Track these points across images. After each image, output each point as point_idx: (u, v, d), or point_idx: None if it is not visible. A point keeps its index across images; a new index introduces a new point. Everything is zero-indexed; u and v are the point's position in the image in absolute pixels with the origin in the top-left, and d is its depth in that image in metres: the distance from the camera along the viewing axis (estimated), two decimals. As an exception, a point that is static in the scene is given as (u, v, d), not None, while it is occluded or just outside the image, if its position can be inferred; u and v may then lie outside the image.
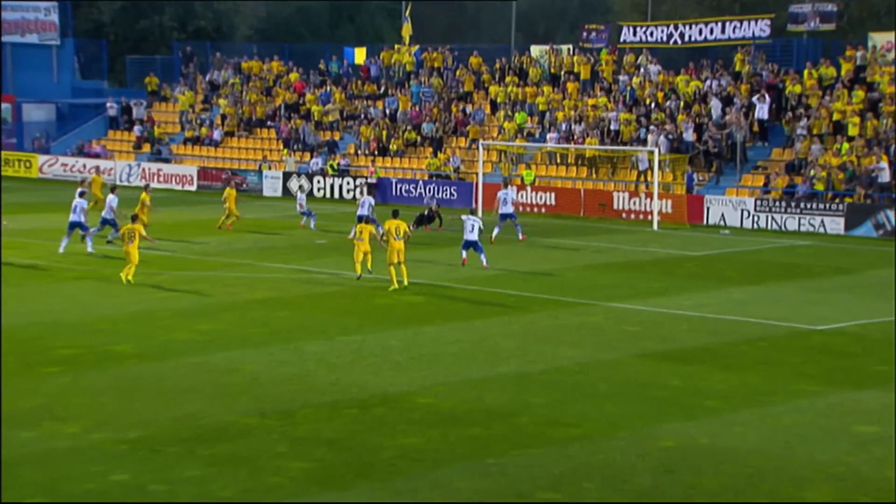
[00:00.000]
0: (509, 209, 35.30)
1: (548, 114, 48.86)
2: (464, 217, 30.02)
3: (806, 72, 45.13)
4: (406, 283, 26.29)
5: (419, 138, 51.03)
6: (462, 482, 13.58)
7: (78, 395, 16.95)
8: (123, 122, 59.77)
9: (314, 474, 13.78)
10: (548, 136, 47.60)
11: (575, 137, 46.71)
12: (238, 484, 13.38)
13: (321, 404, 16.79)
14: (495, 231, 34.56)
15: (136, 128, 58.06)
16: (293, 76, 57.05)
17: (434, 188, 46.67)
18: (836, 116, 42.71)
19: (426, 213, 38.61)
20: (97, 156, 56.32)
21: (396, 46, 56.57)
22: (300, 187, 40.82)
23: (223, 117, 56.68)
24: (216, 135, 55.89)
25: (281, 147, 53.75)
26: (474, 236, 29.29)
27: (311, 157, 51.43)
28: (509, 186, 38.84)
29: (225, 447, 14.68)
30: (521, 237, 35.26)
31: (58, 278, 27.40)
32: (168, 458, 14.23)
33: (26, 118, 62.33)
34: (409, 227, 27.00)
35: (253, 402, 16.83)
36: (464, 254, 29.68)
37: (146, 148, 56.91)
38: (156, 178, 53.35)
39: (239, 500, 12.87)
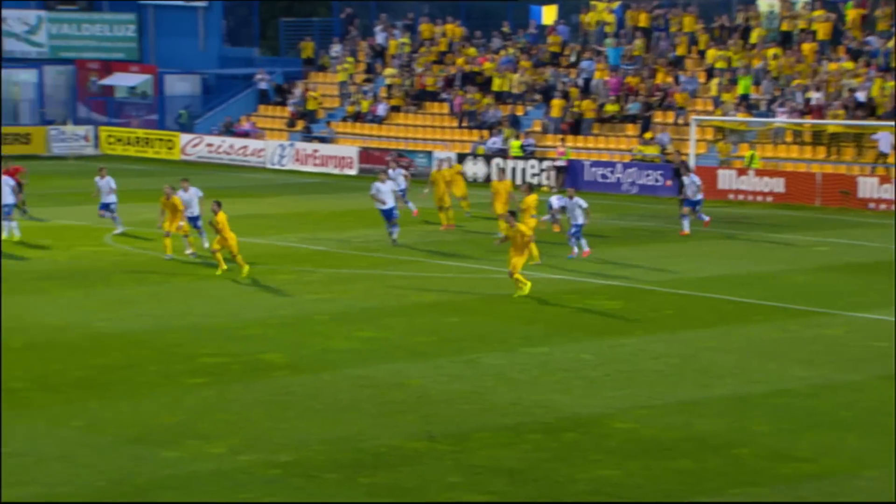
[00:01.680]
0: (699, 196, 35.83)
1: (777, 82, 47.82)
2: (566, 199, 30.77)
3: None
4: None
5: (619, 113, 50.76)
6: (668, 525, 13.53)
7: (224, 410, 17.56)
8: (275, 95, 61.19)
9: (492, 510, 13.94)
10: (777, 109, 46.59)
11: (811, 110, 45.57)
12: (404, 518, 13.67)
13: (500, 427, 16.93)
14: (686, 223, 35.20)
15: (291, 101, 59.38)
16: (470, 50, 57.42)
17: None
18: None
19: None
20: (246, 134, 57.95)
21: (593, 3, 56.39)
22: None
23: (389, 89, 57.53)
24: (380, 109, 56.74)
25: (455, 124, 54.28)
26: (582, 219, 30.38)
27: (490, 135, 51.81)
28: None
29: (389, 475, 14.97)
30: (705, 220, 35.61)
31: (200, 276, 28.40)
32: (325, 485, 14.60)
33: (169, 91, 64.36)
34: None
35: (421, 422, 17.10)
36: (583, 243, 30.63)
37: (301, 125, 58.17)
38: (311, 160, 54.51)
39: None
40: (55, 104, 63.83)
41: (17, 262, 29.64)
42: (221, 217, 27.62)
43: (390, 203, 32.62)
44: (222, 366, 20.06)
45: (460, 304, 25.43)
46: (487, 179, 48.50)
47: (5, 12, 64.02)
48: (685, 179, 35.98)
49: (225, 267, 28.06)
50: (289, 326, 23.13)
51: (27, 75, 63.76)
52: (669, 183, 42.99)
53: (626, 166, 46.91)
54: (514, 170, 48.77)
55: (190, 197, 30.78)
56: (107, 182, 34.06)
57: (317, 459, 15.44)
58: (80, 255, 30.96)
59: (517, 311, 24.83)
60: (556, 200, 32.77)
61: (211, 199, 29.23)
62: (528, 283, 25.80)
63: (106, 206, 34.09)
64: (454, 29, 59.16)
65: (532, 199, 30.52)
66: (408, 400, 18.23)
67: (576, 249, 30.49)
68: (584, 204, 30.50)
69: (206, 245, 30.40)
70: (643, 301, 26.11)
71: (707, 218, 35.57)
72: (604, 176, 47.31)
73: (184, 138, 58.34)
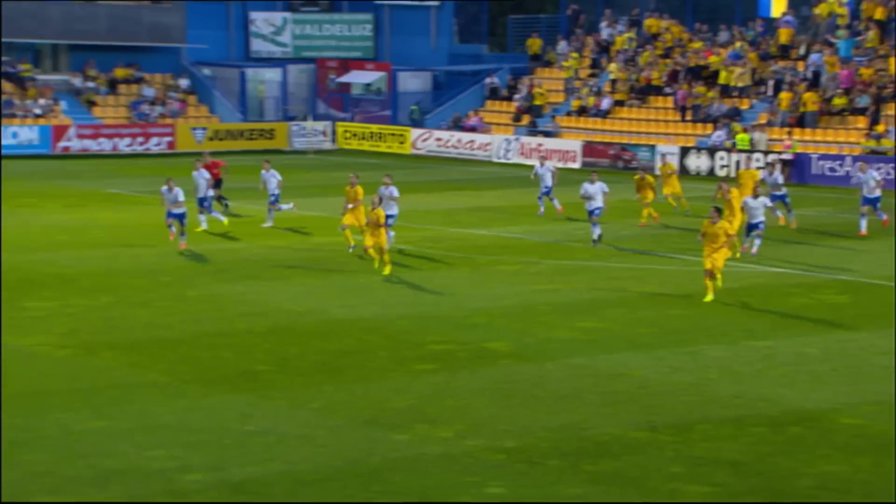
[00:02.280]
0: (876, 193, 33.09)
1: None
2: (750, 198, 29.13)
3: None
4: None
5: (848, 105, 49.06)
6: (895, 524, 13.04)
7: (451, 396, 17.76)
8: (502, 90, 61.49)
9: (715, 501, 13.70)
10: None
11: None
12: (626, 506, 13.57)
13: (723, 420, 16.64)
14: (863, 223, 32.98)
15: (517, 97, 59.61)
16: (696, 44, 56.35)
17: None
18: None
19: None
20: (473, 129, 58.49)
21: (825, -7, 54.71)
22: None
23: (613, 83, 57.14)
24: (604, 104, 56.39)
25: (678, 117, 53.50)
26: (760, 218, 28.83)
27: (714, 129, 50.85)
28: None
29: (611, 463, 14.90)
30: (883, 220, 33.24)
31: (430, 267, 28.77)
32: (548, 472, 14.62)
33: (401, 88, 65.45)
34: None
35: (643, 413, 16.95)
36: (756, 243, 29.10)
37: (526, 120, 58.32)
38: (535, 154, 54.46)
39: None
40: (296, 101, 65.80)
41: (261, 251, 30.65)
42: (380, 212, 26.77)
43: (596, 203, 31.34)
44: (449, 353, 20.30)
45: (682, 297, 25.05)
46: (710, 173, 47.70)
47: (253, 14, 66.47)
48: (861, 176, 33.76)
49: (387, 264, 26.84)
50: (513, 316, 23.23)
51: (272, 74, 65.97)
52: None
53: (855, 159, 45.28)
54: (737, 163, 47.74)
55: (390, 192, 29.83)
56: (272, 175, 33.68)
57: (540, 446, 15.47)
58: (318, 244, 31.81)
59: (740, 304, 24.30)
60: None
61: (415, 196, 29.11)
62: (709, 293, 24.15)
63: (276, 199, 33.64)
64: (679, 30, 58.25)
65: (736, 192, 29.89)
66: (629, 390, 18.09)
67: (756, 246, 28.98)
68: (768, 202, 29.43)
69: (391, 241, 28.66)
70: (872, 296, 25.21)
71: (885, 216, 33.59)
72: (832, 169, 45.85)
73: (414, 133, 59.21)
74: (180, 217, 29.80)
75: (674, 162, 43.79)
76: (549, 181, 36.78)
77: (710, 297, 24.15)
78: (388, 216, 28.38)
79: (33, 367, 18.87)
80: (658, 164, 36.74)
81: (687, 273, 27.76)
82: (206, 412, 16.81)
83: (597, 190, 31.47)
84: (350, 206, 29.85)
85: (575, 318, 23.09)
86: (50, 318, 22.28)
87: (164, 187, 30.09)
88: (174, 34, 61.69)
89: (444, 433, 15.99)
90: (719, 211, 24.81)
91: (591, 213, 31.50)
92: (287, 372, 19.05)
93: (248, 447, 15.34)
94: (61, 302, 23.69)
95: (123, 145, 56.56)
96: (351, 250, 29.45)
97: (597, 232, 31.31)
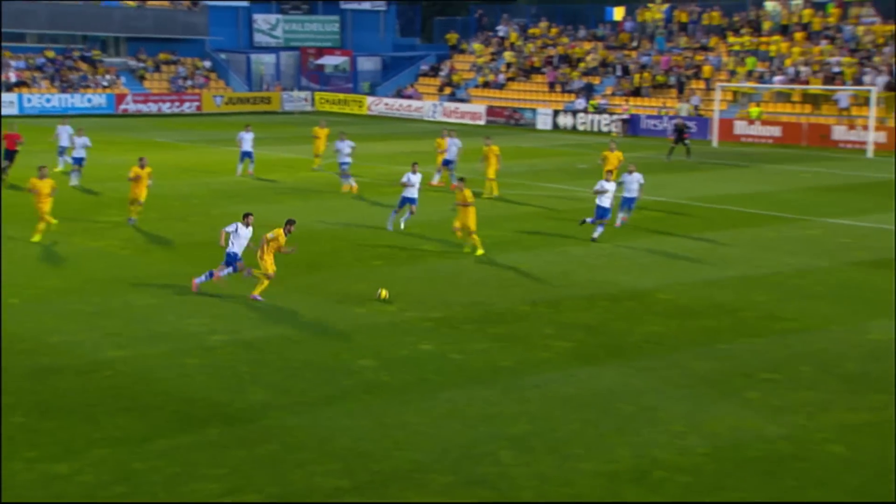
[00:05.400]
0: (634, 193, 22.46)
1: (777, 59, 45.66)
2: (626, 174, 22.20)
3: None
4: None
5: (665, 82, 49.15)
6: (696, 363, 13.24)
7: (396, 282, 17.61)
8: (430, 71, 61.01)
9: (575, 352, 13.81)
10: (775, 78, 44.62)
11: (800, 79, 43.48)
12: (516, 356, 13.61)
13: (581, 297, 16.74)
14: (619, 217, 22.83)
15: (441, 74, 59.14)
16: (564, 39, 55.94)
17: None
18: None
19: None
20: (410, 97, 57.90)
21: (650, 5, 54.47)
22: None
23: (507, 66, 56.79)
24: (500, 79, 56.13)
25: (547, 89, 53.34)
26: (637, 193, 22.16)
27: (576, 97, 50.70)
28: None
29: (506, 328, 14.95)
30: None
31: (379, 193, 28.30)
32: (463, 333, 14.64)
33: (360, 68, 64.76)
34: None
35: (527, 293, 16.99)
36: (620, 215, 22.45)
37: (447, 91, 57.95)
38: (453, 114, 54.25)
39: (518, 368, 13.08)
40: (286, 77, 64.53)
41: (266, 184, 30.00)
42: (468, 193, 19.53)
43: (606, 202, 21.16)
44: (393, 254, 20.14)
45: (555, 214, 24.95)
46: (573, 128, 47.65)
47: (256, 15, 64.74)
48: (626, 177, 22.44)
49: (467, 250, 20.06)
50: (436, 228, 22.84)
51: (269, 58, 64.54)
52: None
53: (671, 118, 45.49)
54: (591, 122, 47.79)
55: (448, 145, 26.23)
56: (346, 144, 27.99)
57: (458, 316, 15.47)
58: (303, 178, 31.27)
59: (584, 231, 24.20)
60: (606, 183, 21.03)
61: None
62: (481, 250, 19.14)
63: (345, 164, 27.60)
64: (555, 31, 57.81)
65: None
66: (517, 278, 18.10)
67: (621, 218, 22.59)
68: (642, 180, 22.38)
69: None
70: (678, 212, 25.32)
71: (624, 221, 22.78)
72: (654, 125, 46.03)
73: (369, 100, 58.58)
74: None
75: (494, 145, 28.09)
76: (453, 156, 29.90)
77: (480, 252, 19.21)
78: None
79: (104, 262, 18.43)
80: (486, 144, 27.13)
81: (557, 198, 27.71)
82: (225, 294, 16.52)
83: (633, 180, 22.49)
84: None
85: (480, 229, 22.78)
86: (116, 228, 21.74)
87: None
88: (200, 29, 60.03)
89: (390, 308, 15.91)
90: (463, 180, 19.92)
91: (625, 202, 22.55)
92: (284, 266, 18.74)
93: (254, 316, 15.12)
94: (123, 217, 23.07)
95: (165, 108, 55.05)
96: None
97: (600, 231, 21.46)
